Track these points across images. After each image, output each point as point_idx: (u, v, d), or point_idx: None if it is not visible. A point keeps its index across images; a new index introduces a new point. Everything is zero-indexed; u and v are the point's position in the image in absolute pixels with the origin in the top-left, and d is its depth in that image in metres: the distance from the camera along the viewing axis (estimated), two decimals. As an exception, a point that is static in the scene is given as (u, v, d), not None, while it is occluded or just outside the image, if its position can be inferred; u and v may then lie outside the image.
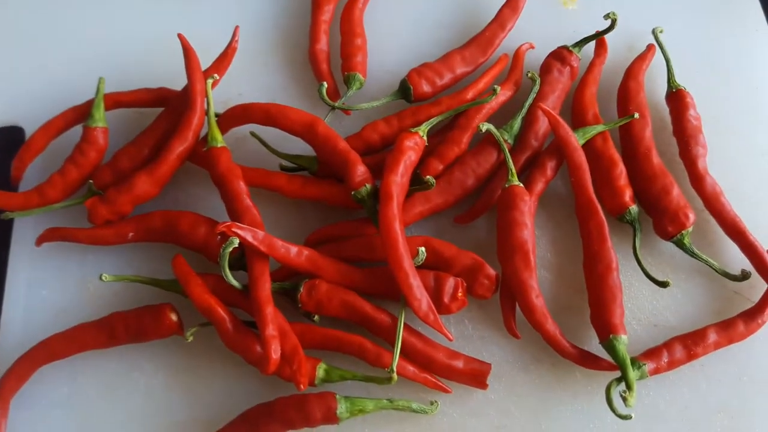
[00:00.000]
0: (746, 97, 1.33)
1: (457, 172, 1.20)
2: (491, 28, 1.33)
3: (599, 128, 1.21)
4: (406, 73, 1.27)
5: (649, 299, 1.19)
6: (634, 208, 1.17)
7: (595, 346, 1.12)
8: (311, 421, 1.05)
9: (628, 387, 1.04)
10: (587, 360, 1.11)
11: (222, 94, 1.30)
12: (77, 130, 1.25)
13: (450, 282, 1.11)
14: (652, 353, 1.11)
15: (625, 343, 1.08)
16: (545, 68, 1.28)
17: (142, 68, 1.35)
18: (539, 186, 1.20)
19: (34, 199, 1.21)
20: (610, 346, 1.08)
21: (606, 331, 1.08)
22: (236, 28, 1.28)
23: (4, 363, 1.15)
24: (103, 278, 1.14)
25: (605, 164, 1.19)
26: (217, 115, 1.22)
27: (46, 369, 1.14)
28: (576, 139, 1.18)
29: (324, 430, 1.09)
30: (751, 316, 1.14)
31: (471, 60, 1.30)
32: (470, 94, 1.25)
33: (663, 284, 1.14)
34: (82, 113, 1.25)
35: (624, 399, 1.03)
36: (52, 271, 1.23)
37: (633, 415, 1.04)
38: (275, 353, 1.03)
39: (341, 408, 1.05)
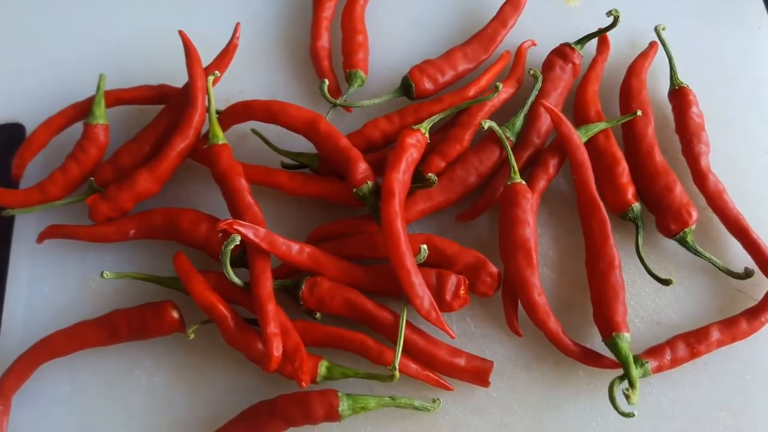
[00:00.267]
0: (749, 95, 1.33)
1: (459, 170, 1.20)
2: (493, 25, 1.32)
3: (602, 126, 1.21)
4: (407, 70, 1.27)
5: (651, 297, 1.19)
6: (636, 205, 1.17)
7: (597, 344, 1.12)
8: (313, 419, 1.05)
9: (631, 385, 1.04)
10: (590, 358, 1.11)
11: (223, 91, 1.29)
12: (78, 127, 1.24)
13: (452, 280, 1.11)
14: (654, 351, 1.11)
15: (627, 340, 1.07)
16: (547, 65, 1.28)
17: (143, 65, 1.35)
18: (541, 183, 1.19)
19: (35, 196, 1.21)
20: (612, 344, 1.08)
21: (608, 328, 1.08)
22: (237, 24, 1.27)
23: (6, 360, 1.14)
24: (105, 275, 1.13)
25: (608, 162, 1.18)
26: (218, 112, 1.22)
27: (47, 366, 1.14)
28: (578, 137, 1.17)
29: (326, 427, 1.09)
30: (754, 314, 1.14)
31: (473, 57, 1.30)
32: (472, 92, 1.25)
33: (666, 282, 1.14)
34: (82, 110, 1.25)
35: (627, 397, 1.03)
36: (53, 269, 1.23)
37: (636, 413, 1.04)
38: (277, 351, 1.03)
39: (343, 405, 1.05)
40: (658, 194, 1.17)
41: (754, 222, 1.16)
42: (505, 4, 1.33)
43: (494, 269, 1.13)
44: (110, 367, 1.17)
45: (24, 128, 1.32)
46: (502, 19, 1.32)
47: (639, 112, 1.21)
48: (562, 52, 1.28)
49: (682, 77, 1.26)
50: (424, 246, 1.10)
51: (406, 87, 1.26)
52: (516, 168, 1.16)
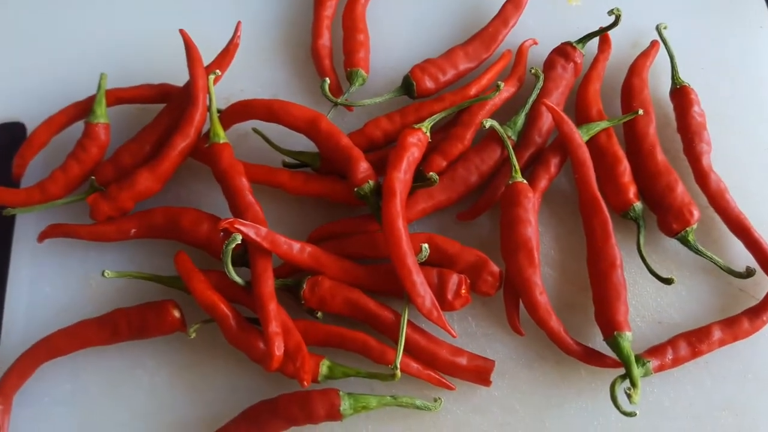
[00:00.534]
0: (751, 94, 1.32)
1: (460, 169, 1.20)
2: (494, 24, 1.32)
3: (603, 125, 1.21)
4: (408, 69, 1.27)
5: (653, 296, 1.19)
6: (638, 204, 1.17)
7: (599, 343, 1.12)
8: (314, 418, 1.04)
9: (633, 384, 1.04)
10: (591, 357, 1.11)
11: (224, 90, 1.29)
12: (79, 126, 1.24)
13: (453, 279, 1.10)
14: (656, 350, 1.11)
15: (629, 340, 1.07)
16: (549, 64, 1.28)
17: (144, 64, 1.35)
18: (543, 183, 1.19)
19: (36, 196, 1.20)
20: (614, 344, 1.08)
21: (610, 328, 1.08)
22: (238, 23, 1.27)
23: (7, 360, 1.14)
24: (106, 275, 1.13)
25: (609, 161, 1.18)
26: (219, 111, 1.22)
27: (48, 366, 1.14)
28: (580, 136, 1.17)
29: (327, 427, 1.09)
30: (755, 313, 1.13)
31: (474, 56, 1.30)
32: (473, 91, 1.25)
33: (667, 281, 1.14)
34: (83, 109, 1.25)
35: (628, 396, 1.03)
36: (54, 268, 1.23)
37: (637, 412, 1.04)
38: (278, 350, 1.03)
39: (344, 405, 1.05)
40: (660, 193, 1.17)
41: (756, 221, 1.16)
42: (506, 3, 1.33)
43: (496, 268, 1.13)
44: (111, 367, 1.17)
45: (25, 127, 1.32)
46: (503, 17, 1.32)
47: (640, 111, 1.21)
48: (563, 51, 1.27)
49: (684, 76, 1.26)
50: (426, 245, 1.10)
51: (408, 86, 1.26)
52: (517, 167, 1.15)
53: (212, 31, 1.26)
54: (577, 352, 1.10)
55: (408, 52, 1.35)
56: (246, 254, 1.12)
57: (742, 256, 1.18)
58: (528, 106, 1.23)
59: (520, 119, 1.22)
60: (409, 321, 1.10)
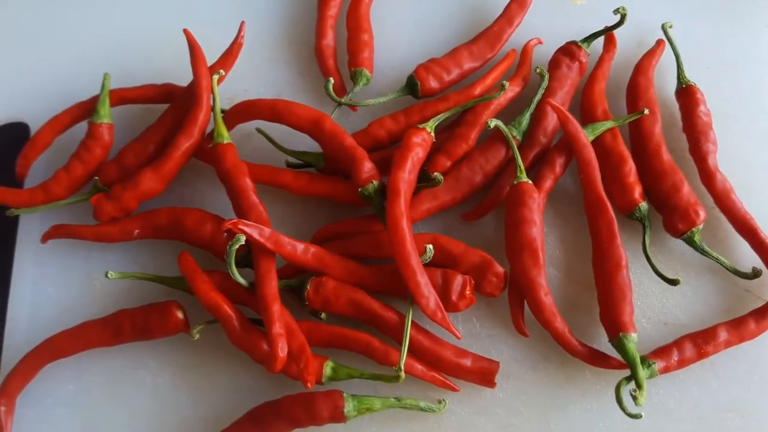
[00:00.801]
0: (757, 93, 1.32)
1: (464, 169, 1.19)
2: (499, 23, 1.31)
3: (608, 124, 1.20)
4: (413, 68, 1.26)
5: (659, 297, 1.18)
6: (643, 204, 1.16)
7: (604, 345, 1.11)
8: (318, 420, 1.04)
9: (638, 386, 1.04)
10: (596, 358, 1.10)
11: (228, 90, 1.29)
12: (82, 126, 1.24)
13: (458, 280, 1.10)
14: (662, 351, 1.10)
15: (634, 341, 1.07)
16: (554, 64, 1.27)
17: (147, 64, 1.35)
18: (548, 183, 1.19)
19: (39, 196, 1.20)
20: (619, 345, 1.07)
21: (615, 329, 1.07)
22: (242, 23, 1.27)
23: (10, 361, 1.14)
24: (109, 275, 1.13)
25: (615, 161, 1.18)
26: (223, 112, 1.22)
27: (51, 367, 1.14)
28: (585, 136, 1.17)
29: (331, 428, 1.09)
30: (762, 314, 1.13)
31: (479, 55, 1.29)
32: (478, 90, 1.24)
33: (673, 282, 1.13)
34: (87, 109, 1.25)
35: (634, 398, 1.02)
36: (57, 268, 1.23)
37: (643, 414, 1.04)
38: (282, 351, 1.03)
39: (348, 406, 1.05)
40: (666, 193, 1.16)
41: (762, 221, 1.15)
42: (511, 2, 1.32)
43: (500, 269, 1.13)
44: (115, 368, 1.16)
45: (28, 127, 1.32)
46: (508, 17, 1.31)
47: (646, 111, 1.20)
48: (568, 51, 1.27)
49: (690, 75, 1.25)
50: (430, 246, 1.10)
51: (412, 86, 1.26)
52: (522, 167, 1.15)
53: (216, 31, 1.26)
54: (582, 353, 1.10)
55: (412, 51, 1.35)
56: (250, 255, 1.12)
57: (748, 257, 1.17)
58: (533, 106, 1.22)
59: (525, 119, 1.22)
60: (413, 322, 1.09)
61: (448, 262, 1.13)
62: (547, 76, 1.23)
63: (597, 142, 1.19)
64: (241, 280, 1.09)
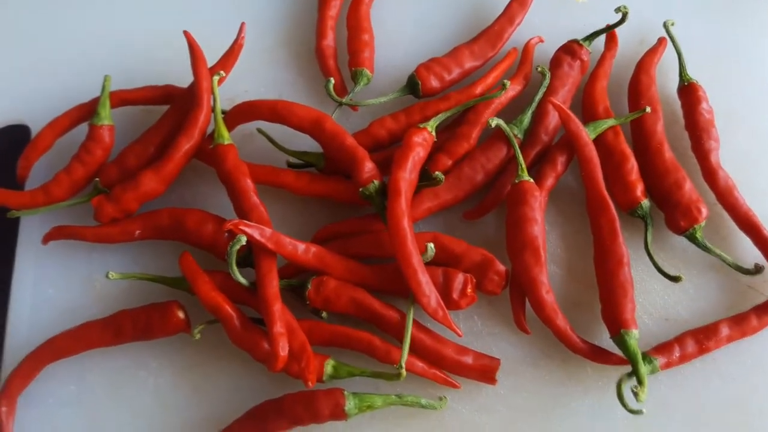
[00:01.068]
0: (759, 90, 1.31)
1: (466, 168, 1.19)
2: (500, 22, 1.31)
3: (610, 122, 1.20)
4: (414, 68, 1.26)
5: (660, 294, 1.18)
6: (645, 202, 1.16)
7: (606, 342, 1.11)
8: (319, 418, 1.04)
9: (639, 382, 1.03)
10: (598, 355, 1.10)
11: (228, 91, 1.29)
12: (83, 128, 1.24)
13: (459, 278, 1.10)
14: (663, 348, 1.10)
15: (636, 337, 1.06)
16: (555, 62, 1.27)
17: (147, 65, 1.35)
18: (549, 181, 1.18)
19: (40, 198, 1.20)
20: (620, 341, 1.07)
21: (617, 325, 1.07)
22: (242, 24, 1.27)
23: (11, 361, 1.15)
24: (110, 276, 1.13)
25: (616, 159, 1.17)
26: (223, 113, 1.22)
27: (53, 367, 1.14)
28: (587, 134, 1.16)
29: (332, 426, 1.09)
30: (764, 310, 1.13)
31: (480, 54, 1.29)
32: (479, 89, 1.24)
33: (675, 279, 1.13)
34: (87, 111, 1.25)
35: (635, 394, 1.02)
36: (58, 269, 1.23)
37: (644, 410, 1.03)
38: (283, 350, 1.03)
39: (349, 404, 1.04)
40: (668, 191, 1.16)
41: (765, 218, 1.15)
42: (512, 1, 1.32)
43: (501, 267, 1.12)
44: (116, 368, 1.16)
45: (29, 129, 1.32)
46: (509, 15, 1.31)
47: (648, 109, 1.19)
48: (569, 49, 1.27)
49: (692, 72, 1.25)
50: (431, 244, 1.10)
51: (413, 85, 1.26)
52: (524, 166, 1.15)
53: (216, 32, 1.26)
54: (583, 350, 1.10)
55: (413, 51, 1.35)
56: (251, 255, 1.11)
57: (750, 253, 1.17)
58: (534, 105, 1.22)
59: (527, 117, 1.22)
60: (414, 320, 1.09)
61: (450, 260, 1.13)
62: (548, 75, 1.23)
63: (599, 140, 1.19)
64: (242, 280, 1.09)
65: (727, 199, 1.16)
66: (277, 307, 1.05)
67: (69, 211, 1.23)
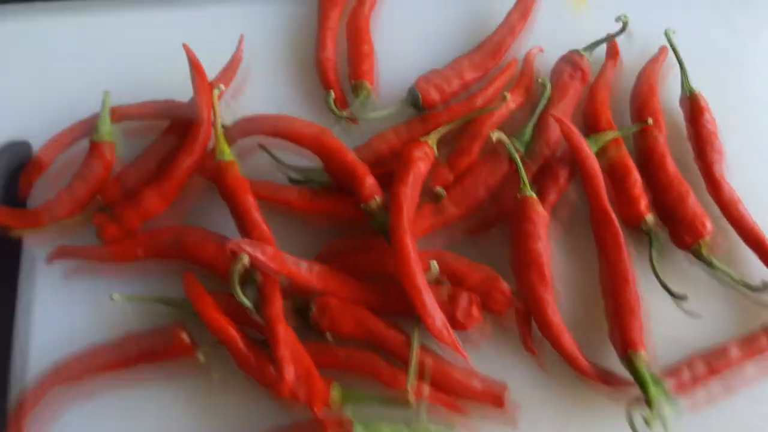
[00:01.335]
0: (763, 101, 1.31)
1: (468, 183, 1.18)
2: (500, 32, 1.31)
3: (612, 135, 1.19)
4: (414, 80, 1.25)
5: (667, 312, 1.16)
6: (650, 216, 1.15)
7: (614, 361, 1.09)
8: (327, 447, 1.03)
9: (649, 405, 1.02)
10: (606, 377, 1.09)
11: (229, 106, 1.28)
12: (84, 144, 1.23)
13: (464, 298, 1.09)
14: (673, 369, 1.08)
15: (644, 359, 1.05)
16: (556, 73, 1.26)
17: (147, 81, 1.33)
18: (552, 196, 1.18)
19: (43, 216, 1.20)
20: (629, 363, 1.05)
21: (624, 346, 1.06)
22: (241, 37, 1.27)
23: (18, 385, 1.14)
24: (114, 298, 1.13)
25: (619, 172, 1.17)
26: (224, 128, 1.21)
27: (59, 391, 1.13)
28: (589, 147, 1.16)
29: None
30: (774, 330, 1.12)
31: (480, 65, 1.29)
32: (480, 101, 1.24)
33: (681, 297, 1.12)
34: (88, 128, 1.24)
35: (646, 421, 1.01)
36: (63, 290, 1.22)
37: (653, 432, 1.02)
38: (288, 375, 1.02)
39: (358, 434, 1.03)
40: (671, 205, 1.15)
41: (771, 233, 1.14)
42: (512, 11, 1.32)
43: (506, 286, 1.11)
44: (123, 391, 1.15)
45: (30, 146, 1.31)
46: (509, 26, 1.31)
47: (650, 121, 1.19)
48: (570, 60, 1.26)
49: (694, 82, 1.24)
50: (434, 262, 1.09)
51: (413, 98, 1.25)
52: (526, 181, 1.14)
53: (216, 46, 1.25)
54: (591, 372, 1.08)
55: (413, 63, 1.33)
56: (254, 272, 1.11)
57: (757, 270, 1.16)
58: (535, 117, 1.22)
59: (528, 131, 1.21)
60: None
61: (453, 278, 1.12)
62: (549, 86, 1.23)
63: (601, 153, 1.18)
64: (246, 302, 1.07)
65: (731, 213, 1.15)
66: (282, 329, 1.04)
67: (72, 230, 1.22)
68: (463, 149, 1.20)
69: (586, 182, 1.15)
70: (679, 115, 1.25)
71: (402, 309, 1.09)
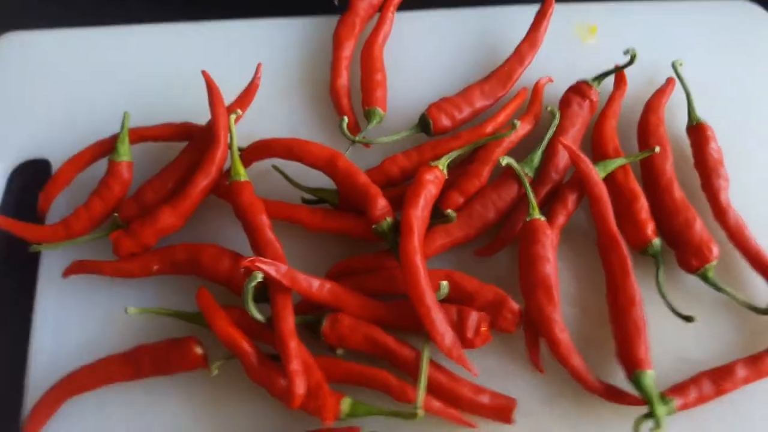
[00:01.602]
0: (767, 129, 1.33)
1: (477, 206, 1.20)
2: (510, 62, 1.34)
3: (620, 161, 1.21)
4: (425, 107, 1.28)
5: (674, 333, 1.17)
6: (656, 241, 1.17)
7: (622, 380, 1.10)
8: (338, 458, 1.04)
9: (657, 424, 1.03)
10: (614, 395, 1.09)
11: (244, 129, 1.30)
12: (103, 163, 1.26)
13: (473, 316, 1.10)
14: (679, 388, 1.09)
15: (651, 378, 1.06)
16: (565, 102, 1.29)
17: (166, 103, 1.37)
18: (561, 219, 1.20)
19: (61, 232, 1.22)
20: (636, 382, 1.06)
21: (631, 366, 1.07)
22: (259, 65, 1.29)
23: (32, 395, 1.15)
24: (128, 312, 1.14)
25: (627, 197, 1.19)
26: (240, 150, 1.24)
27: (73, 401, 1.14)
28: (597, 173, 1.18)
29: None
30: (780, 350, 1.12)
31: (490, 94, 1.31)
32: (489, 128, 1.26)
33: (688, 319, 1.13)
34: (107, 147, 1.27)
35: None
36: (78, 303, 1.23)
37: (661, 452, 1.02)
38: (299, 388, 1.03)
39: (367, 447, 1.04)
40: (678, 230, 1.17)
41: (776, 257, 1.16)
42: (522, 41, 1.35)
43: (515, 305, 1.13)
44: (136, 403, 1.16)
45: (50, 164, 1.34)
46: (519, 56, 1.34)
47: (657, 149, 1.21)
48: (579, 89, 1.29)
49: (700, 110, 1.26)
50: (445, 282, 1.10)
51: (424, 124, 1.28)
52: (535, 204, 1.16)
53: (233, 72, 1.28)
54: (599, 389, 1.09)
55: (425, 90, 1.37)
56: (266, 290, 1.12)
57: (763, 292, 1.17)
58: (544, 144, 1.24)
59: (537, 156, 1.23)
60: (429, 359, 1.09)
61: (463, 298, 1.14)
62: (558, 115, 1.25)
63: (609, 179, 1.20)
64: (259, 317, 1.09)
65: (738, 238, 1.17)
66: (293, 344, 1.06)
67: (89, 246, 1.25)
68: (474, 173, 1.22)
69: (594, 207, 1.17)
70: (685, 142, 1.28)
71: (412, 325, 1.11)
